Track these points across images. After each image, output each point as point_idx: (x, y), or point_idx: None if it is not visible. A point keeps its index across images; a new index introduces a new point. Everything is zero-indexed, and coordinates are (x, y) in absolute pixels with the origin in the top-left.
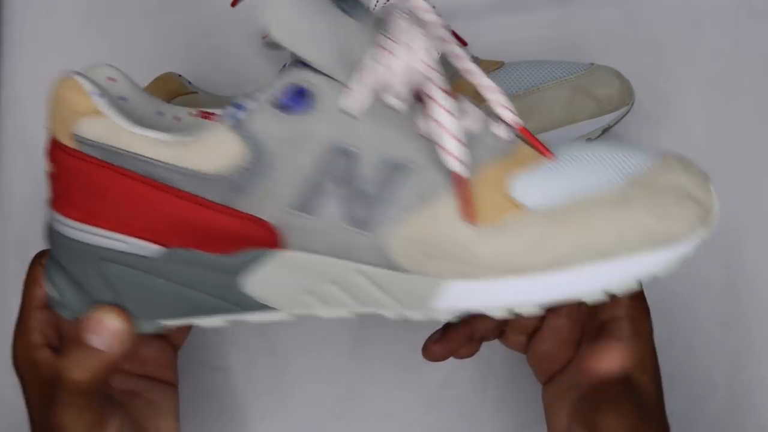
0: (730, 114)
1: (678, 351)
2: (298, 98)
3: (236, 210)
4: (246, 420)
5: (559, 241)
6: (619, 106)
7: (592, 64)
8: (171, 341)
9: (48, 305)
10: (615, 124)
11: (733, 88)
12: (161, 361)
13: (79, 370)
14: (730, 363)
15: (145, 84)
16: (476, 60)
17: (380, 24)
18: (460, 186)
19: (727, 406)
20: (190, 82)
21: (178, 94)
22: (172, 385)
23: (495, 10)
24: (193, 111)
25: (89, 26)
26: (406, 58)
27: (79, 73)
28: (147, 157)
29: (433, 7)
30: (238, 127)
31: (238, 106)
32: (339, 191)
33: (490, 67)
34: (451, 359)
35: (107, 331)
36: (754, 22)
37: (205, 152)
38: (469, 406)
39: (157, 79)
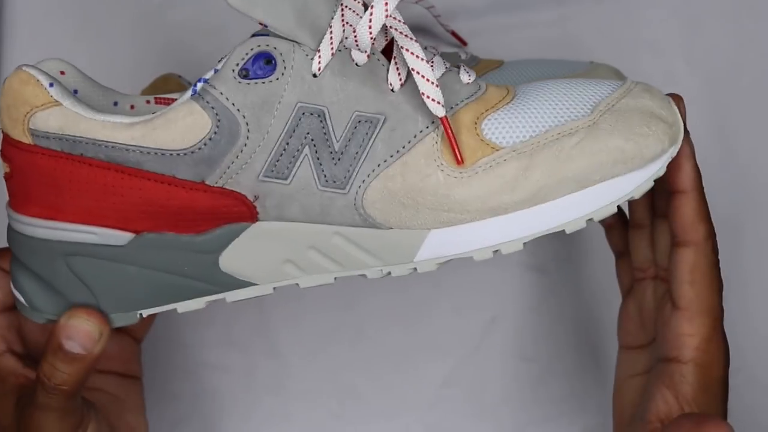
0: (730, 114)
1: None
2: (260, 64)
3: (209, 185)
4: (246, 420)
5: (535, 175)
6: None
7: (592, 62)
8: (133, 335)
9: (7, 309)
10: None
11: (733, 88)
12: (125, 356)
13: (60, 375)
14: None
15: (145, 84)
16: (476, 60)
17: None
18: (446, 128)
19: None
20: (190, 82)
21: None
22: (137, 379)
23: (495, 10)
24: (150, 98)
25: (89, 26)
26: (371, 12)
27: (31, 66)
28: (109, 142)
29: (432, 6)
30: (200, 98)
31: (199, 79)
32: (311, 153)
33: (490, 66)
34: (449, 358)
35: (84, 335)
36: (754, 22)
37: (169, 128)
38: (469, 406)
39: (157, 79)
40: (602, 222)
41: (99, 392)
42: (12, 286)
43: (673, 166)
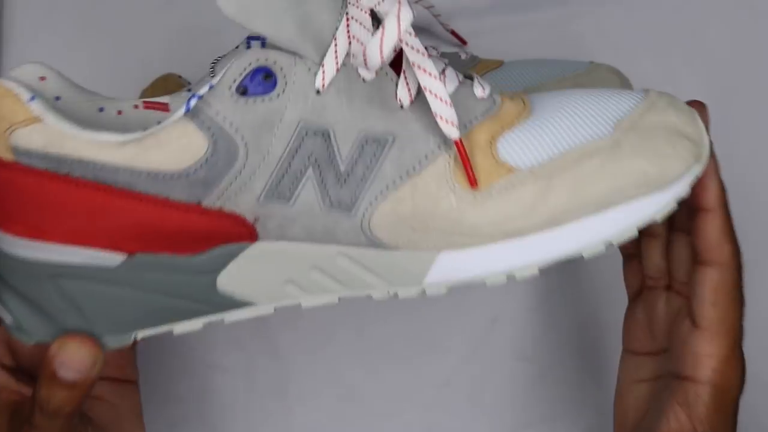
0: (730, 114)
1: None
2: (259, 80)
3: (206, 208)
4: (246, 420)
5: (553, 198)
6: None
7: (592, 62)
8: None
9: None
10: None
11: (733, 88)
12: (120, 361)
13: (57, 401)
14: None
15: (145, 84)
16: (476, 60)
17: None
18: (461, 151)
19: None
20: (190, 83)
21: None
22: (132, 383)
23: (495, 10)
24: (138, 102)
25: (89, 26)
26: (382, 31)
27: (8, 79)
28: (98, 162)
29: (432, 6)
30: (194, 116)
31: (193, 95)
32: (315, 175)
33: (490, 66)
34: (449, 358)
35: (77, 362)
36: (754, 22)
37: (162, 149)
38: (469, 406)
39: (157, 80)
40: None
41: (94, 400)
42: (0, 307)
43: (697, 183)
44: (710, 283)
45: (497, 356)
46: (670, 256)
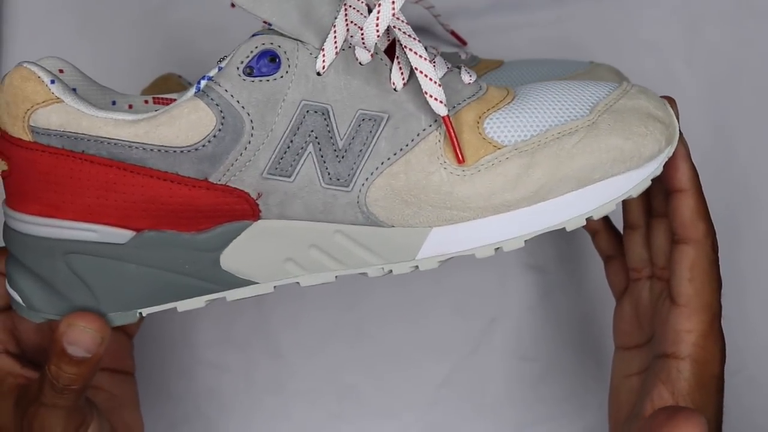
0: (730, 114)
1: None
2: (265, 62)
3: (212, 183)
4: (246, 419)
5: (537, 173)
6: None
7: (592, 62)
8: (126, 330)
9: (1, 311)
10: None
11: (733, 88)
12: (118, 352)
13: (67, 377)
14: (728, 363)
15: (146, 84)
16: (476, 60)
17: None
18: (448, 128)
19: (725, 406)
20: (190, 82)
21: None
22: (130, 375)
23: (495, 10)
24: (148, 98)
25: (89, 26)
26: (378, 10)
27: (32, 63)
28: (112, 139)
29: (432, 6)
30: (205, 95)
31: (203, 77)
32: (315, 150)
33: (490, 66)
34: (449, 358)
35: (85, 339)
36: (754, 22)
37: (173, 125)
38: (469, 406)
39: (157, 79)
40: (588, 228)
41: (95, 390)
42: (8, 285)
43: (670, 165)
44: (686, 260)
45: (497, 356)
46: (650, 244)
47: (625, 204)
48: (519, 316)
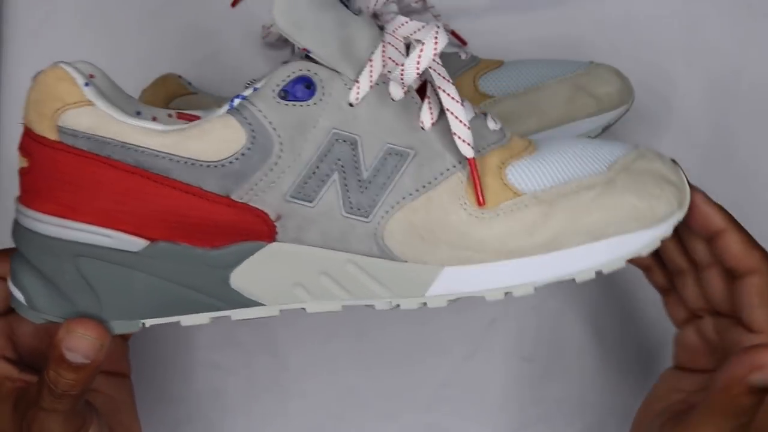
0: (730, 114)
1: None
2: (301, 87)
3: (234, 200)
4: (246, 420)
5: (553, 222)
6: (619, 105)
7: (592, 62)
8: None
9: (1, 313)
10: (615, 122)
11: (733, 88)
12: (114, 355)
13: (65, 382)
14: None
15: (146, 84)
16: (476, 60)
17: (380, 19)
18: (473, 169)
19: None
20: (190, 83)
21: (177, 95)
22: (126, 377)
23: (495, 10)
24: (172, 112)
25: (89, 26)
26: (421, 48)
27: (68, 63)
28: (140, 146)
29: (432, 6)
30: (238, 112)
31: (237, 96)
32: (340, 178)
33: (490, 66)
34: (449, 358)
35: (84, 346)
36: (754, 22)
37: (203, 139)
38: (469, 406)
39: (157, 80)
40: (639, 264)
41: (92, 393)
42: (10, 283)
43: (698, 215)
44: (753, 289)
45: (497, 356)
46: (704, 289)
47: (664, 253)
48: (519, 317)
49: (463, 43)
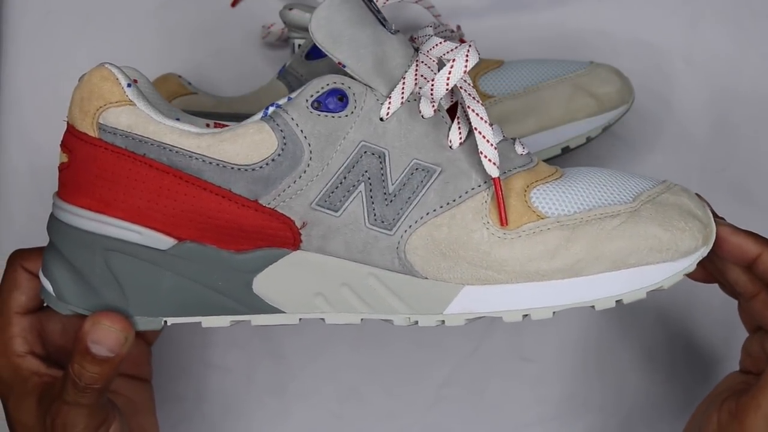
0: (729, 114)
1: (679, 352)
2: (334, 99)
3: (261, 205)
4: (246, 420)
5: (575, 247)
6: (619, 105)
7: (592, 62)
8: (145, 338)
9: (30, 312)
10: (615, 122)
11: (733, 88)
12: (137, 359)
13: (89, 376)
14: (729, 364)
15: None
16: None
17: (414, 38)
18: (497, 189)
19: None
20: (190, 83)
21: (178, 95)
22: (147, 382)
23: (495, 10)
24: (209, 122)
25: (89, 26)
26: (451, 65)
27: (113, 65)
28: (174, 146)
29: (432, 6)
30: (271, 119)
31: (272, 104)
32: (365, 190)
33: (490, 66)
34: (449, 358)
35: (109, 339)
36: (754, 22)
37: (236, 142)
38: (469, 406)
39: (157, 79)
40: (704, 279)
41: (113, 394)
42: (41, 274)
43: (731, 246)
44: None
45: (497, 356)
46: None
47: (730, 281)
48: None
49: (464, 42)
